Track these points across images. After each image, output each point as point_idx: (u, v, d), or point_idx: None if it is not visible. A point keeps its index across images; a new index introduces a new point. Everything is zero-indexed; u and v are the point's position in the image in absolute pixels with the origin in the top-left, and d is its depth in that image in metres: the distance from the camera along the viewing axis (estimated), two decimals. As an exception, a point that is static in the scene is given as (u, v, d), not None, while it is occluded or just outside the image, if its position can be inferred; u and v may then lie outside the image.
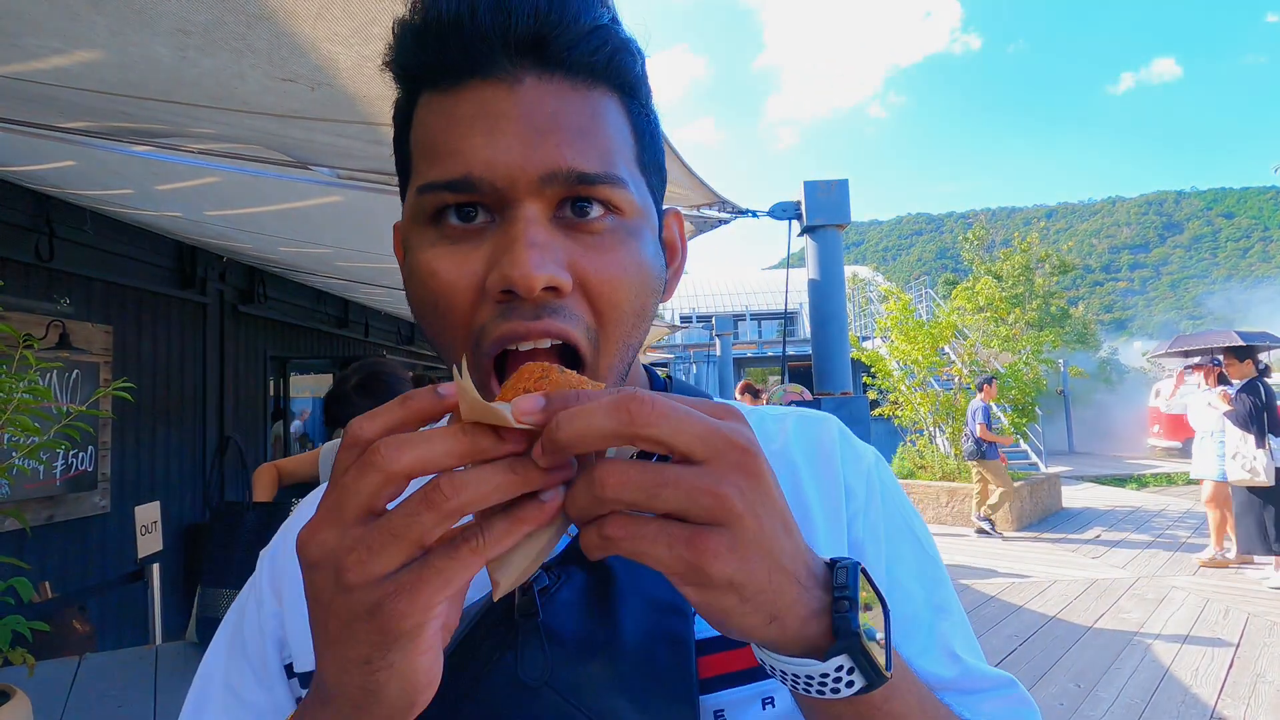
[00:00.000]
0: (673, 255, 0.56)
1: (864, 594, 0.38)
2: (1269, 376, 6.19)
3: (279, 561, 0.59)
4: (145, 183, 3.15)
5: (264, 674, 0.56)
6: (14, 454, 1.29)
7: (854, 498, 0.58)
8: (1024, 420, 11.40)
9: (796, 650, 0.37)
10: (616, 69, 0.47)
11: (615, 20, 0.48)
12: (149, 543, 3.13)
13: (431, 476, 0.33)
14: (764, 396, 7.75)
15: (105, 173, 3.03)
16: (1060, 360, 17.50)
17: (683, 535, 0.33)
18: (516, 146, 0.43)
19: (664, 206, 0.56)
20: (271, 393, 6.03)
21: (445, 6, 0.44)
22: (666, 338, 19.37)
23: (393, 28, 0.49)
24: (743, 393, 7.73)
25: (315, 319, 6.79)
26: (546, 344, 0.44)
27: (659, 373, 0.67)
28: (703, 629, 0.49)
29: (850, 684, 0.37)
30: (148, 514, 3.15)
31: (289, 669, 0.56)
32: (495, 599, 0.35)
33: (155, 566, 3.05)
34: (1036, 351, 11.29)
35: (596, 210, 0.45)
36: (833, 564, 0.39)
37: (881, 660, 0.37)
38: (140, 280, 4.36)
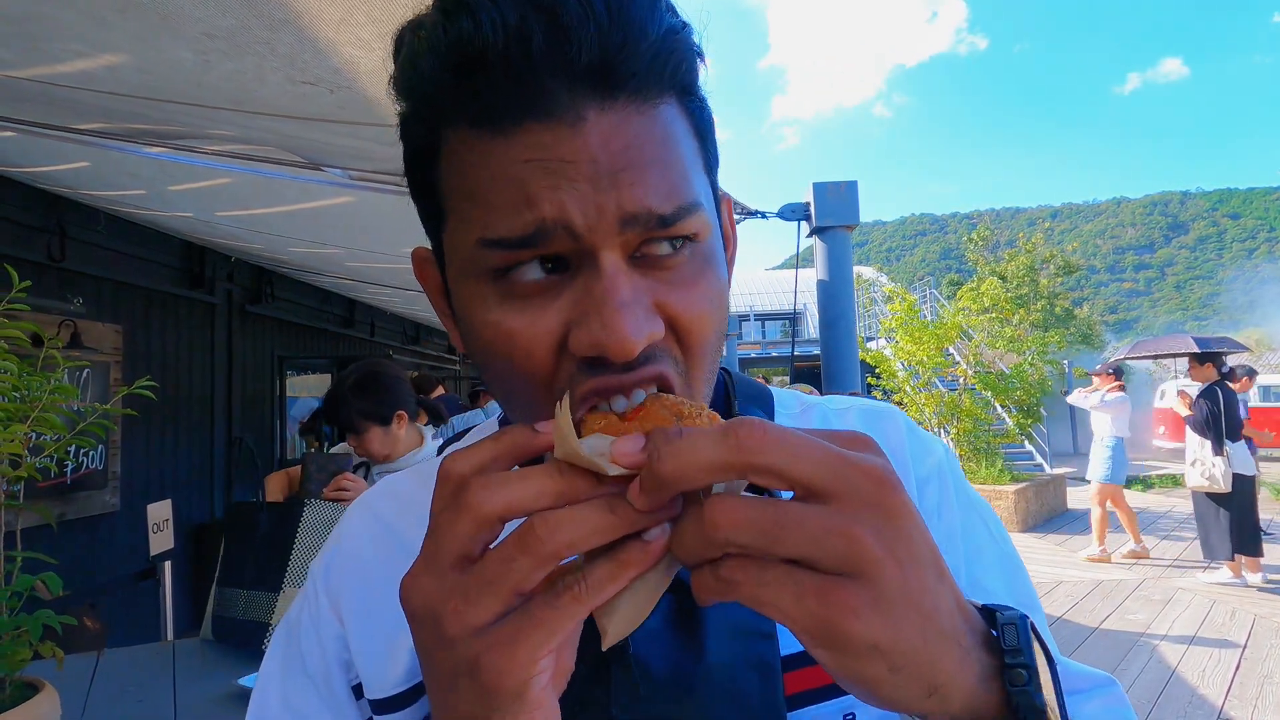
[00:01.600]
0: (728, 245, 0.50)
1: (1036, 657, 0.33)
2: (1233, 381, 6.16)
3: (334, 577, 0.56)
4: (158, 184, 3.18)
5: (329, 694, 0.54)
6: (29, 453, 1.30)
7: (927, 496, 0.55)
8: (1029, 421, 11.40)
9: None
10: (681, 75, 0.42)
11: (672, 9, 0.42)
12: (161, 540, 3.14)
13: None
14: None
15: (119, 174, 3.05)
16: (1065, 361, 17.47)
17: (813, 585, 0.28)
18: (590, 194, 0.38)
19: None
20: (278, 392, 6.06)
21: (491, 34, 0.37)
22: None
23: (405, 43, 0.42)
24: None
25: (322, 319, 6.82)
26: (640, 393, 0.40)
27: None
28: (783, 646, 0.47)
29: None
30: (159, 512, 3.17)
31: (357, 690, 0.54)
32: (604, 648, 0.33)
33: (167, 564, 3.07)
34: (1041, 352, 11.28)
35: (676, 243, 0.41)
36: (991, 614, 0.34)
37: None
38: (150, 280, 4.39)
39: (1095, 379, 7.22)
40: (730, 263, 0.51)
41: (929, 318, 11.79)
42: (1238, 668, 4.27)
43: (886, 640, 0.28)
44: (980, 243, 28.74)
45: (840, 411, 0.60)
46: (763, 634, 0.47)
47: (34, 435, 1.22)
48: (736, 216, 0.58)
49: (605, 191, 0.38)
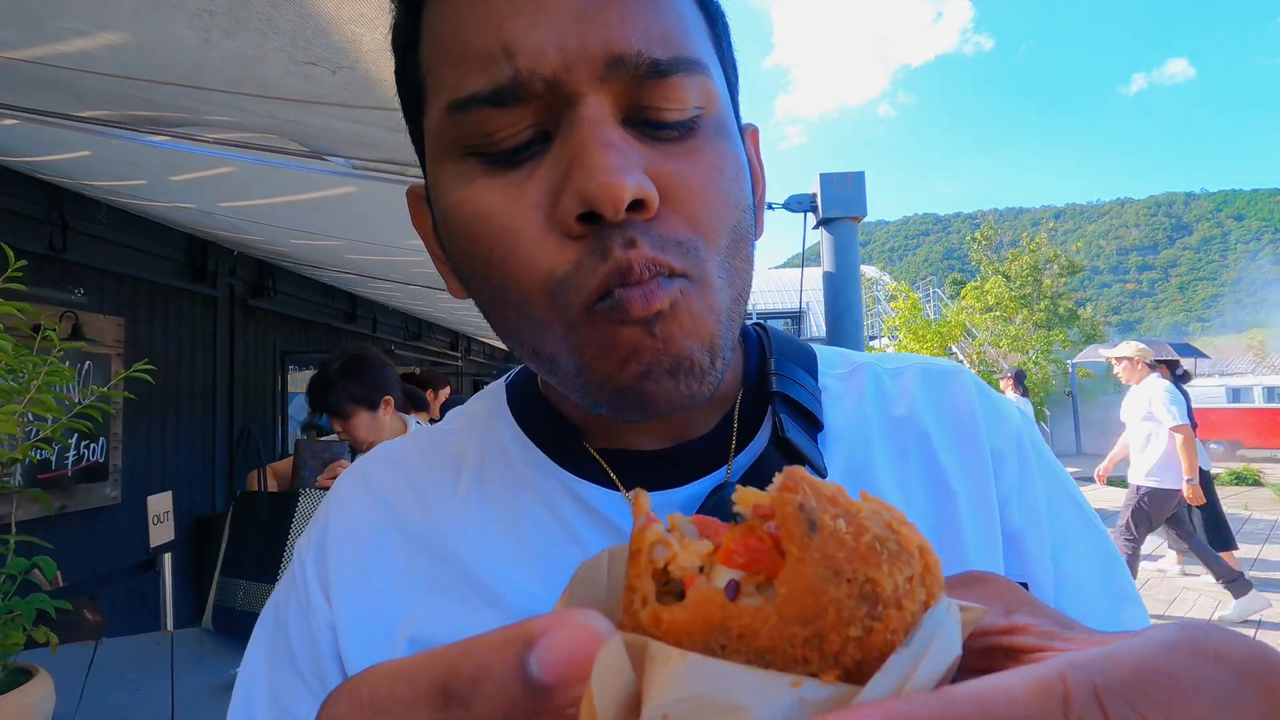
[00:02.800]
0: (756, 183, 0.44)
1: None
2: (1186, 382, 6.21)
3: (323, 556, 0.50)
4: (160, 173, 3.16)
5: (320, 689, 0.47)
6: (24, 435, 1.28)
7: (1005, 473, 0.47)
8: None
9: None
10: None
11: None
12: (161, 532, 3.14)
13: None
14: None
15: (120, 163, 3.04)
16: (1068, 361, 17.48)
17: None
18: (570, 25, 0.34)
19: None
20: (280, 386, 6.06)
21: None
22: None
23: None
24: None
25: (324, 314, 6.81)
26: (657, 306, 0.34)
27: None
28: None
29: None
30: (160, 504, 3.17)
31: None
32: None
33: (167, 556, 3.06)
34: (1045, 352, 11.27)
35: (675, 108, 0.36)
36: None
37: None
38: (152, 273, 4.38)
39: (1001, 383, 7.52)
40: (761, 206, 0.44)
41: (932, 316, 11.78)
42: (1244, 667, 4.25)
43: None
44: (984, 242, 28.70)
45: (896, 371, 0.52)
46: None
47: (30, 417, 1.20)
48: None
49: (588, 24, 0.34)
